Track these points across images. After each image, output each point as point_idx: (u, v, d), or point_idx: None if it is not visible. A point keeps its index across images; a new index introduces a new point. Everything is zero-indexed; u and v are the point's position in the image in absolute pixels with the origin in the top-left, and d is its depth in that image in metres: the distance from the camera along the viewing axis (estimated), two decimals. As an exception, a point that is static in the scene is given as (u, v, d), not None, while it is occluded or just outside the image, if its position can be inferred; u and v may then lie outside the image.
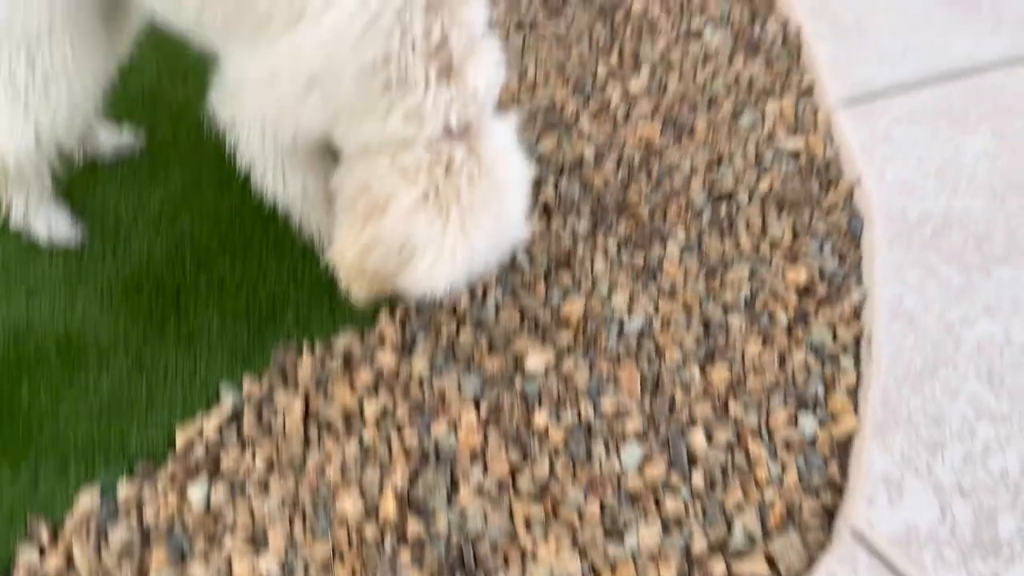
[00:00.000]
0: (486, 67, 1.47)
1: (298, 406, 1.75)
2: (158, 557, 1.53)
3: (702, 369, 1.85)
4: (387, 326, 1.90)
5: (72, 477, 1.64)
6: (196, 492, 1.61)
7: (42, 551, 1.55)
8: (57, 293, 1.89)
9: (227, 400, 1.76)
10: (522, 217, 1.58)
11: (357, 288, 1.59)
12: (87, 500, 1.61)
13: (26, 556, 1.54)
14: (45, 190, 1.88)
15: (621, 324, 1.91)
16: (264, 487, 1.64)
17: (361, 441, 1.71)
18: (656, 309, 1.94)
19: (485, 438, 1.72)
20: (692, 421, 1.77)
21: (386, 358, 1.84)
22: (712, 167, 2.23)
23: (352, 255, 1.52)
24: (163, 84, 2.33)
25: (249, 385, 1.79)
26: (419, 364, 1.83)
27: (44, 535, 1.56)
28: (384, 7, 1.32)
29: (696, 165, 2.23)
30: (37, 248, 1.96)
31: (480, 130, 1.49)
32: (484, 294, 1.96)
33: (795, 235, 2.09)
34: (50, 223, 1.93)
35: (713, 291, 1.98)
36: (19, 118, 1.64)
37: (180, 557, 1.54)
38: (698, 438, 1.73)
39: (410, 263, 1.49)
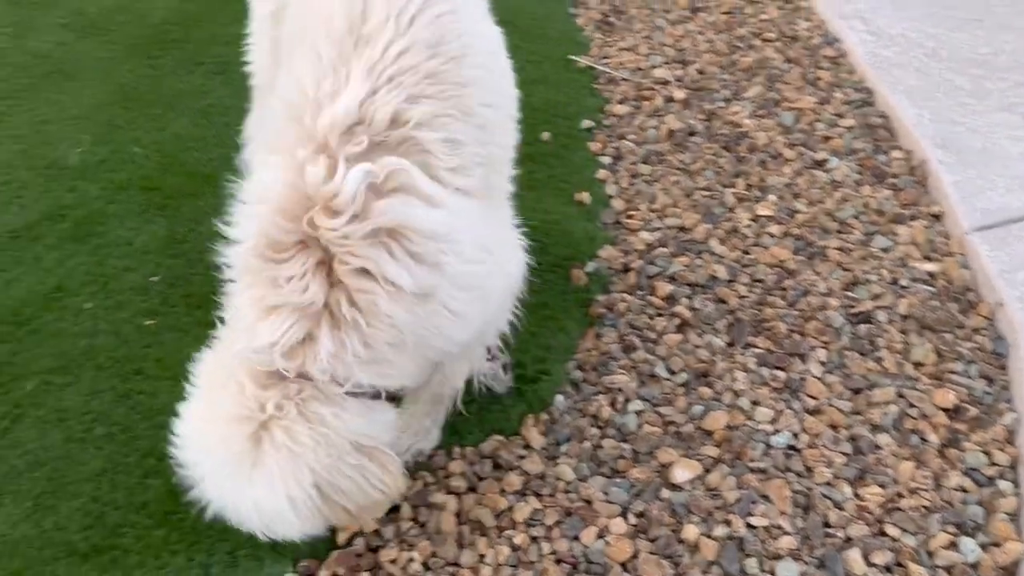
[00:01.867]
0: (336, 341, 1.30)
1: (452, 506, 1.80)
2: (322, 649, 1.57)
3: (854, 488, 1.83)
4: (531, 431, 1.96)
5: (240, 570, 1.71)
6: (358, 587, 1.66)
7: (212, 637, 1.61)
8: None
9: (383, 499, 1.83)
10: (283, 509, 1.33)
11: None
12: (254, 591, 1.68)
13: (197, 641, 1.60)
14: None
15: (767, 439, 1.92)
16: (420, 586, 1.68)
17: (512, 544, 1.74)
18: (802, 426, 1.95)
19: (636, 549, 1.73)
20: (848, 541, 1.74)
21: (532, 464, 1.88)
22: (848, 288, 2.27)
23: None
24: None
25: (405, 487, 1.85)
26: (564, 470, 1.87)
27: (215, 622, 1.63)
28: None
29: (831, 286, 2.27)
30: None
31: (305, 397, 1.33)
32: (626, 403, 2.01)
33: (939, 357, 2.08)
34: None
35: (859, 410, 1.98)
36: None
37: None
38: (855, 558, 1.70)
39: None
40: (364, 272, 1.27)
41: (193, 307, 2.20)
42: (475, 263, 1.36)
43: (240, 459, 1.31)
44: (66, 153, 2.72)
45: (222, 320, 1.44)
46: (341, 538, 1.75)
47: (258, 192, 1.33)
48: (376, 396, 1.42)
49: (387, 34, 1.35)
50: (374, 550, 1.74)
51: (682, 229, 2.47)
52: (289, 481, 1.31)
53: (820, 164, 2.67)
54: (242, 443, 1.31)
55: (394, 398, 1.48)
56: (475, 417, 2.01)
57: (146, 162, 2.69)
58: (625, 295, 2.28)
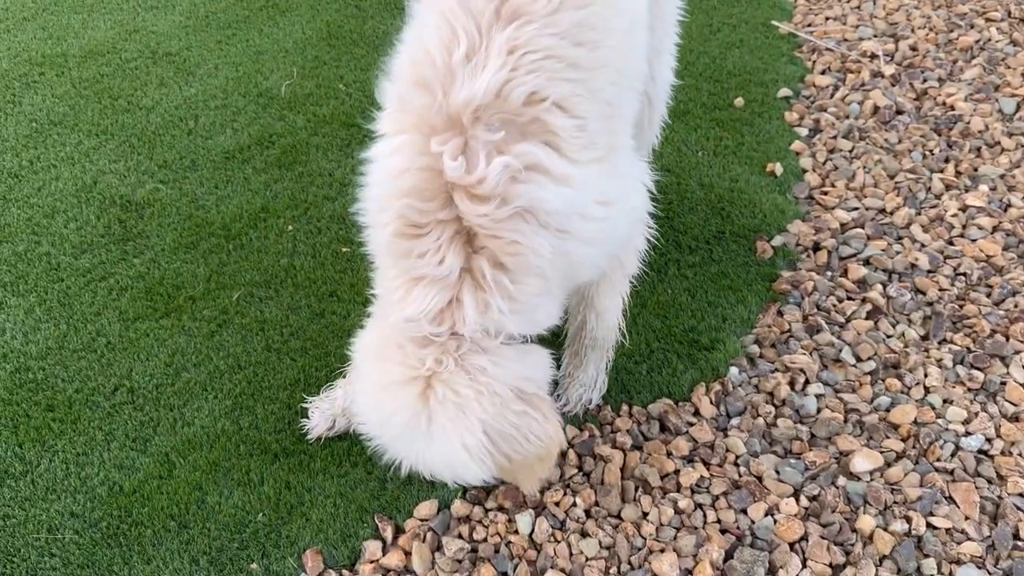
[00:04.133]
0: (479, 302, 1.36)
1: (617, 460, 1.81)
2: (486, 573, 1.64)
3: (1052, 504, 1.70)
4: (702, 400, 1.93)
5: (415, 488, 1.80)
6: (523, 521, 1.71)
7: (385, 548, 1.71)
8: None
9: (551, 444, 1.86)
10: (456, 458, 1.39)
11: None
12: (426, 509, 1.76)
13: (372, 549, 1.70)
14: None
15: (957, 440, 1.81)
16: (583, 533, 1.71)
17: (676, 507, 1.74)
18: (997, 431, 1.82)
19: (806, 531, 1.68)
20: (1040, 557, 1.62)
21: (702, 432, 1.87)
22: (1065, 293, 2.09)
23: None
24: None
25: (570, 434, 1.88)
26: (735, 443, 1.84)
27: (388, 534, 1.73)
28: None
29: (1045, 289, 2.10)
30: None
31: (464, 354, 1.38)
32: (805, 385, 1.95)
33: None
34: None
35: (1066, 423, 1.83)
36: None
37: (503, 580, 1.64)
38: (1048, 577, 1.58)
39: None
40: (513, 241, 1.32)
41: (384, 239, 2.30)
42: (598, 220, 1.40)
43: (416, 421, 1.38)
44: (277, 84, 2.90)
45: (374, 296, 1.53)
46: (509, 475, 1.81)
47: (391, 181, 1.35)
48: (528, 341, 1.47)
49: (536, 14, 1.31)
50: (539, 491, 1.78)
51: (882, 211, 2.34)
52: (462, 432, 1.36)
53: (1044, 156, 2.46)
54: (414, 405, 1.37)
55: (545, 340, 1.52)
56: (645, 378, 2.01)
57: (348, 99, 2.82)
58: (813, 274, 2.20)
